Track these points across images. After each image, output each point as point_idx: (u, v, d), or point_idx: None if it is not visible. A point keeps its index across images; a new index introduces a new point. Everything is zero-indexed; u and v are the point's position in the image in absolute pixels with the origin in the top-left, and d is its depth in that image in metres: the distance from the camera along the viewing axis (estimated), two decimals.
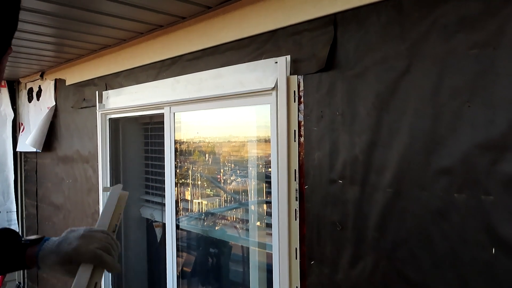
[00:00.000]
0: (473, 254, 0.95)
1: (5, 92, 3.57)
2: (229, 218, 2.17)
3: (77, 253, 0.86)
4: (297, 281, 1.33)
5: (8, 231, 0.96)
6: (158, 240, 2.60)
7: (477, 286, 0.94)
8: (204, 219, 2.31)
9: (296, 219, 1.33)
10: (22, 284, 3.66)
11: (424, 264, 1.03)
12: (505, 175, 0.90)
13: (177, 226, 2.00)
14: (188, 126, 2.15)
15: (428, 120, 1.02)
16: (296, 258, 1.33)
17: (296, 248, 1.33)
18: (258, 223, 1.92)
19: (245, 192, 2.05)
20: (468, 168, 0.95)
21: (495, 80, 0.91)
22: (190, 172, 2.32)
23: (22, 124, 3.55)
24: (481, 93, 0.93)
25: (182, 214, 2.22)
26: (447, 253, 0.99)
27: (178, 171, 2.00)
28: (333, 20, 1.22)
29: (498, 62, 0.91)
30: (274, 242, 1.40)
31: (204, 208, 2.33)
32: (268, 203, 1.76)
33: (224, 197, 2.21)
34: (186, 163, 2.30)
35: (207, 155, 2.36)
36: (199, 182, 2.32)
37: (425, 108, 1.02)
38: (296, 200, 1.32)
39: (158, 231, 2.63)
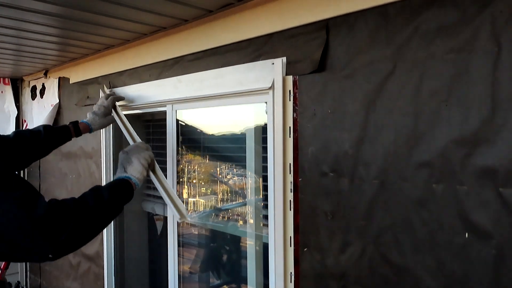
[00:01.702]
0: (449, 238, 1.05)
1: (8, 89, 3.66)
2: (230, 213, 2.27)
3: (106, 105, 1.94)
4: (291, 267, 1.43)
5: (57, 128, 1.82)
6: (159, 233, 2.70)
7: (452, 267, 1.05)
8: (208, 216, 2.40)
9: (290, 210, 1.43)
10: (22, 283, 3.74)
11: (406, 248, 1.13)
12: (477, 167, 1.00)
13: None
14: (189, 123, 2.24)
15: (410, 118, 1.12)
16: (290, 246, 1.43)
17: (290, 237, 1.43)
18: (254, 218, 2.02)
19: (243, 189, 2.14)
20: (445, 161, 1.06)
21: (469, 82, 1.02)
22: (189, 168, 2.42)
23: (25, 121, 3.63)
24: (457, 94, 1.03)
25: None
26: (426, 238, 1.09)
27: (179, 167, 2.10)
28: (326, 25, 1.32)
29: (472, 65, 1.01)
30: (270, 231, 1.51)
31: (202, 206, 2.43)
32: (265, 197, 1.85)
33: (226, 194, 2.31)
34: (185, 160, 2.39)
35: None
36: (201, 179, 2.41)
37: (408, 107, 1.13)
38: (291, 192, 1.42)
39: (158, 224, 2.73)
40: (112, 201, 1.29)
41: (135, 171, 1.43)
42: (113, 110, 1.98)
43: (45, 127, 1.73)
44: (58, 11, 1.70)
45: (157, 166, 1.59)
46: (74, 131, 1.81)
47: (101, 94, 2.29)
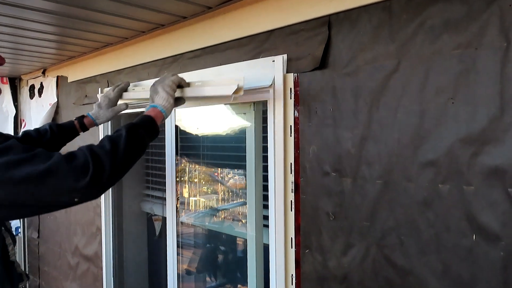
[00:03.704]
0: (456, 240, 1.02)
1: (7, 88, 3.63)
2: (229, 213, 2.24)
3: (111, 97, 1.79)
4: (292, 269, 1.40)
5: (64, 125, 1.76)
6: (157, 233, 2.67)
7: (459, 270, 1.01)
8: (207, 215, 2.37)
9: (291, 210, 1.39)
10: None
11: (411, 250, 1.10)
12: (485, 167, 0.97)
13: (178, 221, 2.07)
14: (188, 122, 2.21)
15: (415, 116, 1.09)
16: (291, 247, 1.40)
17: (291, 238, 1.40)
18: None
19: (244, 189, 2.11)
20: (451, 161, 1.02)
21: (477, 79, 0.98)
22: (189, 167, 2.39)
23: (23, 120, 3.60)
24: (464, 91, 1.00)
25: (183, 209, 2.29)
26: (432, 240, 1.06)
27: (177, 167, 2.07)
28: (328, 21, 1.29)
29: (479, 61, 0.98)
30: (271, 232, 1.47)
31: (203, 205, 2.40)
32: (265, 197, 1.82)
33: (226, 193, 2.28)
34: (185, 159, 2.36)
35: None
36: (200, 179, 2.38)
37: (413, 105, 1.09)
38: (292, 192, 1.39)
39: (157, 225, 2.70)
40: (132, 140, 1.21)
41: (160, 99, 1.41)
42: (120, 100, 1.85)
43: (51, 125, 1.70)
44: (56, 8, 1.67)
45: (192, 82, 1.52)
46: (79, 127, 1.77)
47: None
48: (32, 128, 1.74)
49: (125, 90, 1.88)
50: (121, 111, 1.81)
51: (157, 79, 1.51)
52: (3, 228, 1.24)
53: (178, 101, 1.50)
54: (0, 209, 1.09)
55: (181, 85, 1.50)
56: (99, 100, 1.82)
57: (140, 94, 1.78)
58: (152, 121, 1.33)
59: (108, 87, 2.41)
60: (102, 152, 1.12)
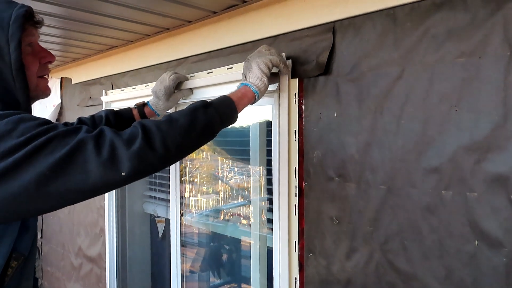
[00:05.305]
0: (458, 246, 1.03)
1: None
2: (233, 215, 2.25)
3: (166, 86, 1.66)
4: (296, 273, 1.41)
5: (122, 111, 1.57)
6: (160, 235, 2.69)
7: (461, 275, 1.03)
8: (210, 216, 2.39)
9: (295, 214, 1.41)
10: None
11: (414, 255, 1.11)
12: (488, 173, 0.98)
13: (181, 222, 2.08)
14: None
15: (419, 123, 1.10)
16: (295, 251, 1.41)
17: (295, 242, 1.41)
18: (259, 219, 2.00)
19: (247, 189, 2.13)
20: (454, 167, 1.03)
21: (480, 87, 0.99)
22: (191, 167, 2.40)
23: None
24: (467, 99, 1.01)
25: (185, 210, 2.30)
26: (435, 245, 1.07)
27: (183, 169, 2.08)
28: (332, 28, 1.30)
29: (483, 70, 0.99)
30: (274, 236, 1.49)
31: (206, 206, 2.41)
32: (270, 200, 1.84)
33: (228, 194, 2.29)
34: (186, 159, 2.38)
35: (205, 152, 2.44)
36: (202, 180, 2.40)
37: (416, 111, 1.10)
38: (296, 196, 1.40)
39: (160, 226, 2.72)
40: (195, 119, 1.05)
41: (253, 77, 1.27)
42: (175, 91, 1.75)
43: (107, 113, 1.50)
44: (61, 12, 1.68)
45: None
46: (139, 116, 1.59)
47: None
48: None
49: (182, 81, 1.76)
50: (184, 97, 1.73)
51: (253, 52, 1.36)
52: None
53: (272, 79, 1.36)
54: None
55: (279, 68, 1.35)
56: (154, 89, 1.68)
57: (213, 79, 1.64)
58: (230, 105, 1.17)
59: (112, 89, 2.42)
60: (153, 125, 0.97)
